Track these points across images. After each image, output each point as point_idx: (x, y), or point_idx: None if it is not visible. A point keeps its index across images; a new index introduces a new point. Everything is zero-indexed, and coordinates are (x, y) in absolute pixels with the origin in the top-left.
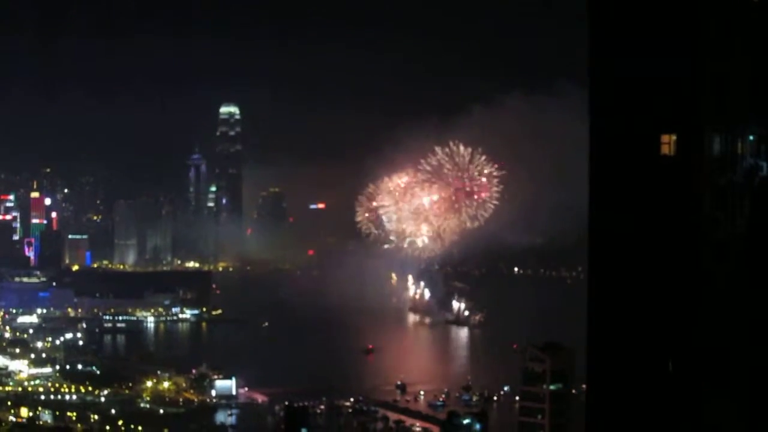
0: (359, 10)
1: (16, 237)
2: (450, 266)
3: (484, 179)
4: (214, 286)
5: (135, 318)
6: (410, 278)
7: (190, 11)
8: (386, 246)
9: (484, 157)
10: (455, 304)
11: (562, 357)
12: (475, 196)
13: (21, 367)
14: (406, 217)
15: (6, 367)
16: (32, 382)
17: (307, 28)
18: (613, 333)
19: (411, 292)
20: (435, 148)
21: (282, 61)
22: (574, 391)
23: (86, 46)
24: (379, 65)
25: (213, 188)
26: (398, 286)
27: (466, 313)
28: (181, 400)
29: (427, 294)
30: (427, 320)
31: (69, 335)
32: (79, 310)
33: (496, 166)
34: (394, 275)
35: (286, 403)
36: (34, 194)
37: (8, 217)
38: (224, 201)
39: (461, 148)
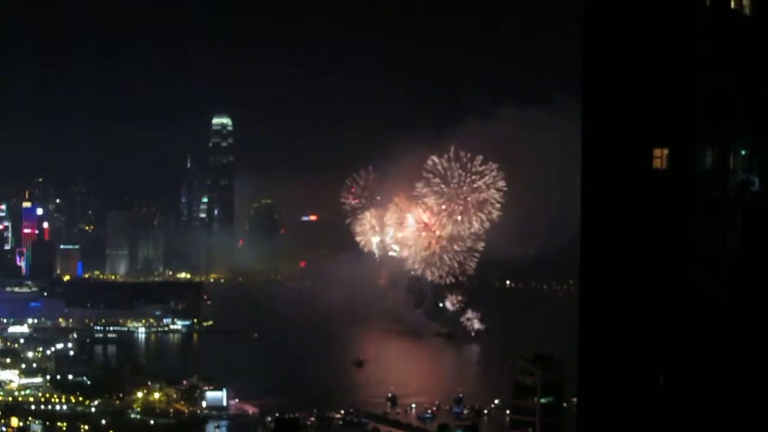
0: (354, 23)
1: (7, 247)
2: (441, 278)
3: (491, 191)
4: (205, 297)
5: (126, 329)
6: (401, 289)
7: (184, 24)
8: (391, 253)
9: (495, 167)
10: (446, 316)
11: (553, 370)
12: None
13: (11, 377)
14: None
15: None
16: (23, 392)
17: (301, 40)
18: (604, 346)
19: (402, 304)
20: (433, 158)
21: (275, 73)
22: (565, 404)
23: (80, 58)
24: (374, 76)
25: (205, 199)
26: (389, 298)
27: (459, 325)
28: (171, 411)
29: (418, 306)
30: (418, 332)
31: (60, 345)
32: (70, 321)
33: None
34: (382, 282)
35: (277, 414)
36: (26, 204)
37: (0, 226)
38: (216, 212)
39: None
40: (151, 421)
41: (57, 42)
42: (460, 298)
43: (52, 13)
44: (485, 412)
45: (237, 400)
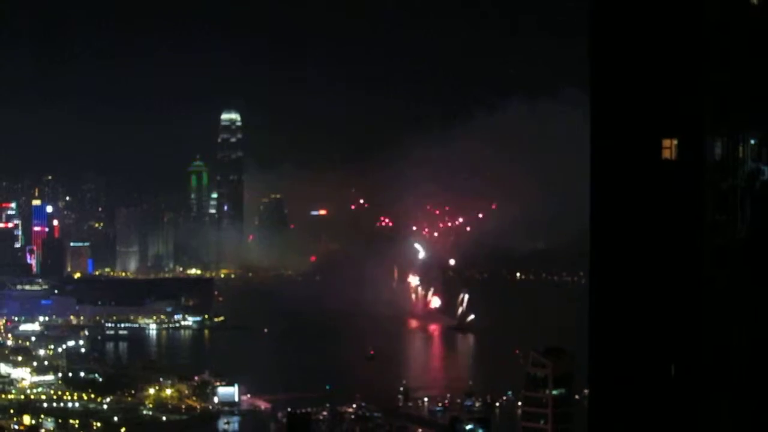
0: (361, 16)
1: (18, 245)
2: (452, 271)
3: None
4: (216, 293)
5: (137, 325)
6: (412, 283)
7: (190, 17)
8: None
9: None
10: (458, 310)
11: (564, 362)
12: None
13: (23, 375)
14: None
15: (8, 375)
16: (35, 390)
17: (308, 33)
18: (615, 338)
19: (412, 297)
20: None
21: (283, 68)
22: (576, 396)
23: (87, 53)
24: (381, 70)
25: (214, 195)
26: (399, 291)
27: (469, 318)
28: (183, 407)
29: (428, 299)
30: (429, 325)
31: (71, 343)
32: (81, 318)
33: None
34: (395, 273)
35: (289, 409)
36: (36, 202)
37: (10, 224)
38: (226, 208)
39: None
40: (163, 418)
41: (62, 38)
42: (470, 290)
43: (58, 7)
44: (497, 404)
45: (249, 396)
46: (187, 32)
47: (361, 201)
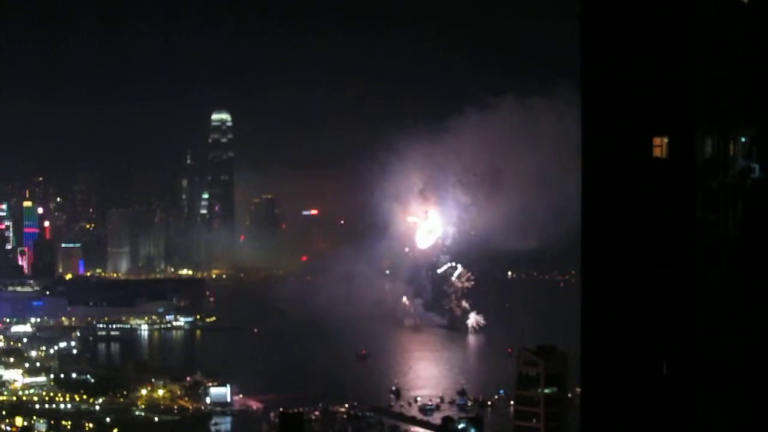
0: (354, 16)
1: (9, 246)
2: (443, 270)
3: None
4: (207, 293)
5: (129, 326)
6: (402, 282)
7: (181, 20)
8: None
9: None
10: (447, 309)
11: (556, 360)
12: None
13: (15, 377)
14: None
15: (0, 377)
16: (27, 392)
17: (300, 33)
18: (607, 336)
19: (403, 297)
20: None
21: (275, 68)
22: (569, 394)
23: (79, 55)
24: (372, 70)
25: (205, 195)
26: (390, 291)
27: (467, 318)
28: (175, 407)
29: (418, 298)
30: (419, 324)
31: (63, 344)
32: (73, 319)
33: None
34: (382, 275)
35: (281, 409)
36: (27, 203)
37: (1, 226)
38: (217, 208)
39: None
40: (156, 418)
41: (54, 35)
42: (461, 286)
43: (51, 6)
44: (489, 403)
45: (241, 396)
46: (180, 31)
47: (351, 202)
